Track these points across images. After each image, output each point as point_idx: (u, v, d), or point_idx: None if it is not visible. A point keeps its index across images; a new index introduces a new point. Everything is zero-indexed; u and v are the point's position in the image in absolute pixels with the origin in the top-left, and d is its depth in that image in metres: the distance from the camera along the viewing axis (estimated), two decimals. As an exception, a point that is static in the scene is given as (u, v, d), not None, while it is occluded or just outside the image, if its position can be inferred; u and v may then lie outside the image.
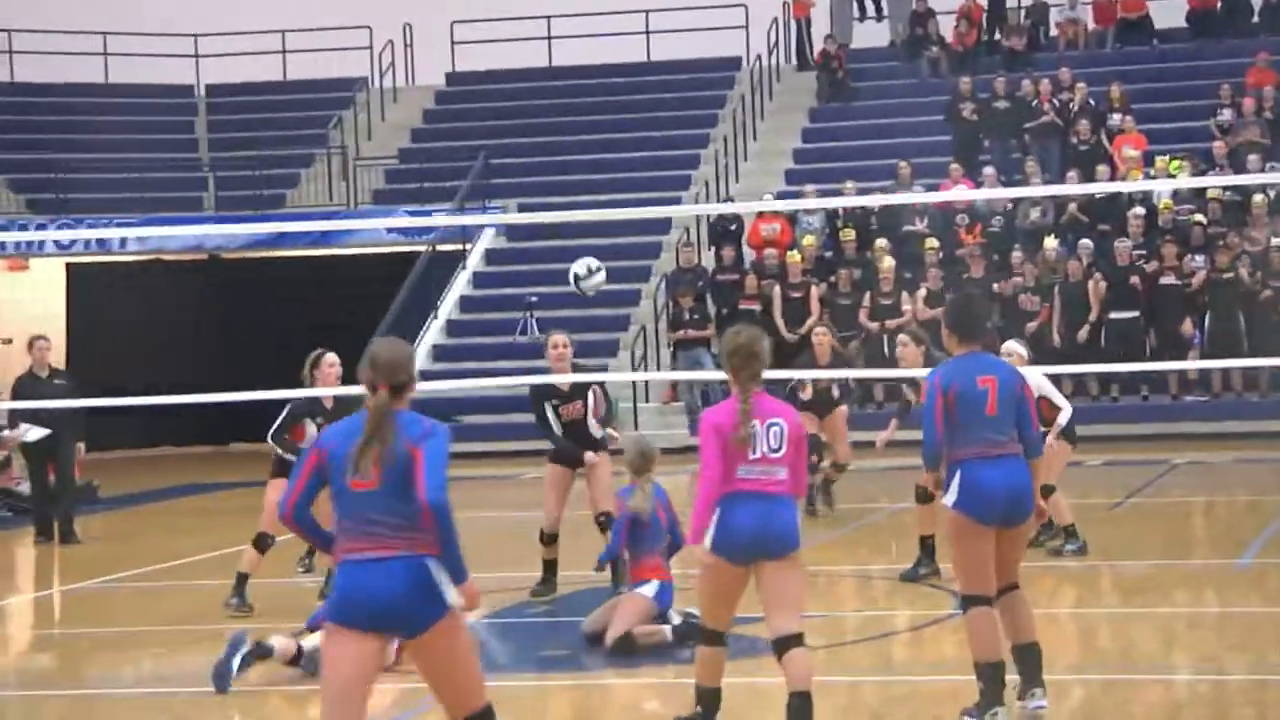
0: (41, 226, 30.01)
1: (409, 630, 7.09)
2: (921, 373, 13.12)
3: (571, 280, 15.08)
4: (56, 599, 16.13)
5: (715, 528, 8.61)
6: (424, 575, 7.04)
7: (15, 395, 18.35)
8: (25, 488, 21.30)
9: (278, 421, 13.49)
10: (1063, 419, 14.14)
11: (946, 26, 33.26)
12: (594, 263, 15.06)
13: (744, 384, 8.67)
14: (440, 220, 28.09)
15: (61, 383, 18.49)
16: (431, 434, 7.13)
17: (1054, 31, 33.39)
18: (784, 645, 8.65)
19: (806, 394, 17.43)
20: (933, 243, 27.30)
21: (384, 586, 7.03)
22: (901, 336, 14.90)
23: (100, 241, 30.34)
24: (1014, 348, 13.87)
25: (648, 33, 34.26)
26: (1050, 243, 26.83)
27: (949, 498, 9.31)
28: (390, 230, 30.10)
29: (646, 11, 33.96)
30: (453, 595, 7.08)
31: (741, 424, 8.59)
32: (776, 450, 8.69)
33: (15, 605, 15.77)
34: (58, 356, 24.27)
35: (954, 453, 9.28)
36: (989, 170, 28.70)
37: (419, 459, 7.05)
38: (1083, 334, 25.53)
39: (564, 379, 13.80)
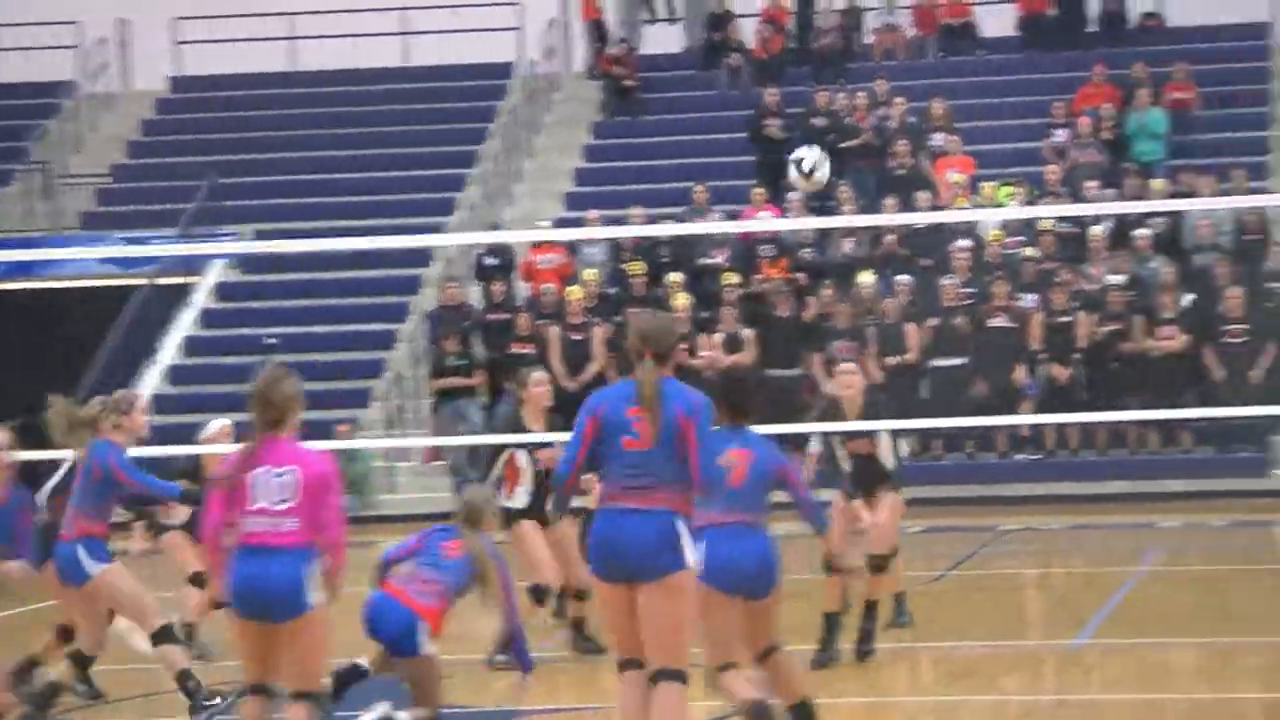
0: None
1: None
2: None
3: (795, 170, 14.44)
4: None
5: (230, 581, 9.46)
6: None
7: None
8: None
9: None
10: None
11: (749, 31, 33.63)
12: (817, 154, 14.49)
13: (259, 430, 9.50)
14: (161, 249, 27.90)
15: None
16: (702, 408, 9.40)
17: (869, 39, 33.93)
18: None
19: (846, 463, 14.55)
20: (732, 278, 27.54)
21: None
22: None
23: None
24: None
25: (405, 34, 34.34)
26: (865, 278, 27.19)
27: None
28: (103, 261, 29.79)
29: (405, 9, 34.05)
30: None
31: (235, 470, 9.48)
32: (282, 501, 9.36)
33: None
34: None
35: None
36: (796, 195, 29.01)
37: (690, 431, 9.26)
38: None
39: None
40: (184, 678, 12.08)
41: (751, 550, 10.15)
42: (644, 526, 9.17)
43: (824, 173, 14.27)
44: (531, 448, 14.51)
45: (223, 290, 30.98)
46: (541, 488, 14.36)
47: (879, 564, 13.92)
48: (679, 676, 9.21)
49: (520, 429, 14.61)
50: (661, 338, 9.42)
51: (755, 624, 10.20)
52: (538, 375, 14.83)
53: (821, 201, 29.06)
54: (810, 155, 14.17)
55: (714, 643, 10.05)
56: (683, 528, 9.23)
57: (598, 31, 34.16)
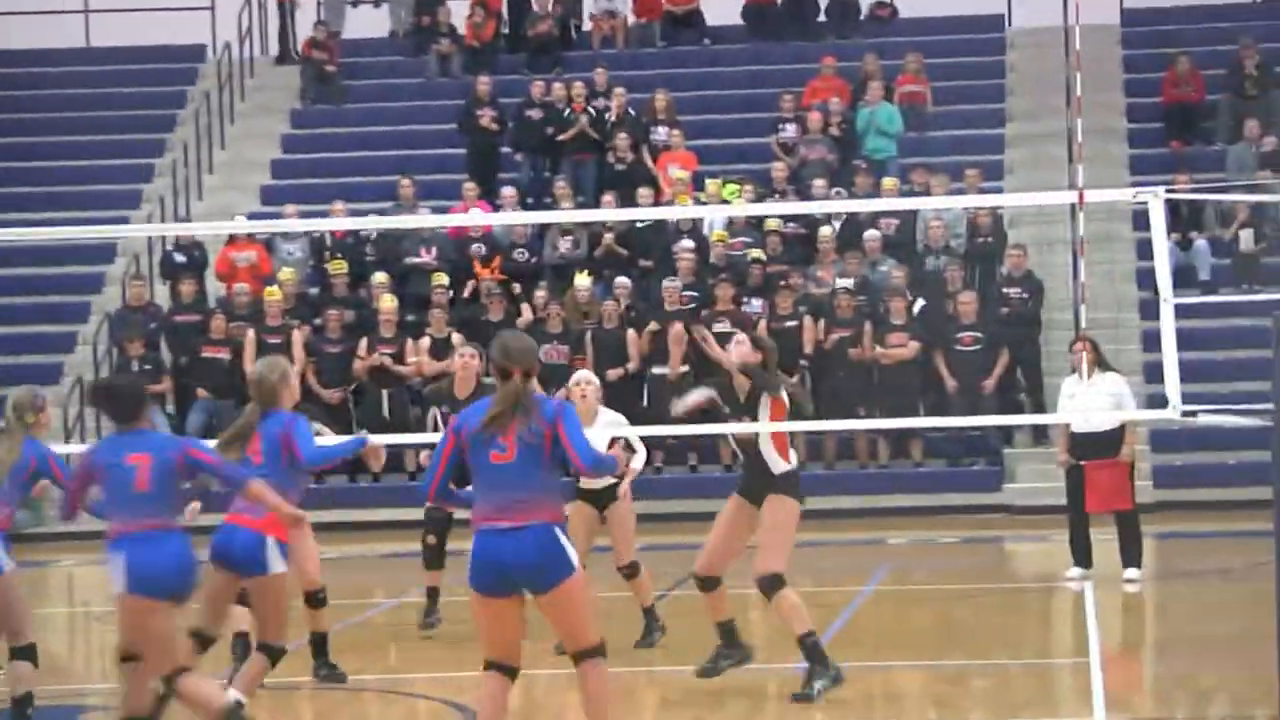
0: None
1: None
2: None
3: None
4: None
5: None
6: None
7: None
8: None
9: None
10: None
11: (459, 15, 33.58)
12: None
13: None
14: None
15: None
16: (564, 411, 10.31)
17: (588, 25, 34.07)
18: None
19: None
20: (442, 278, 27.51)
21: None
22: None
23: None
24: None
25: (87, 12, 33.95)
26: (582, 280, 27.32)
27: None
28: None
29: (86, -14, 33.73)
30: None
31: None
32: None
33: None
34: None
35: None
36: (510, 191, 29.11)
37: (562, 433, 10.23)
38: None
39: None
40: None
41: (170, 554, 10.83)
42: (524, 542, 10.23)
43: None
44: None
45: (-116, 288, 30.42)
46: None
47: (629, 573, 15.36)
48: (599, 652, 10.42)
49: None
50: (529, 356, 10.38)
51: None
52: (466, 349, 15.60)
53: (537, 197, 29.19)
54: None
55: (161, 652, 10.86)
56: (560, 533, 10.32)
57: (292, 11, 33.92)
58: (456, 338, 15.13)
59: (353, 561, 23.06)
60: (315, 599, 14.40)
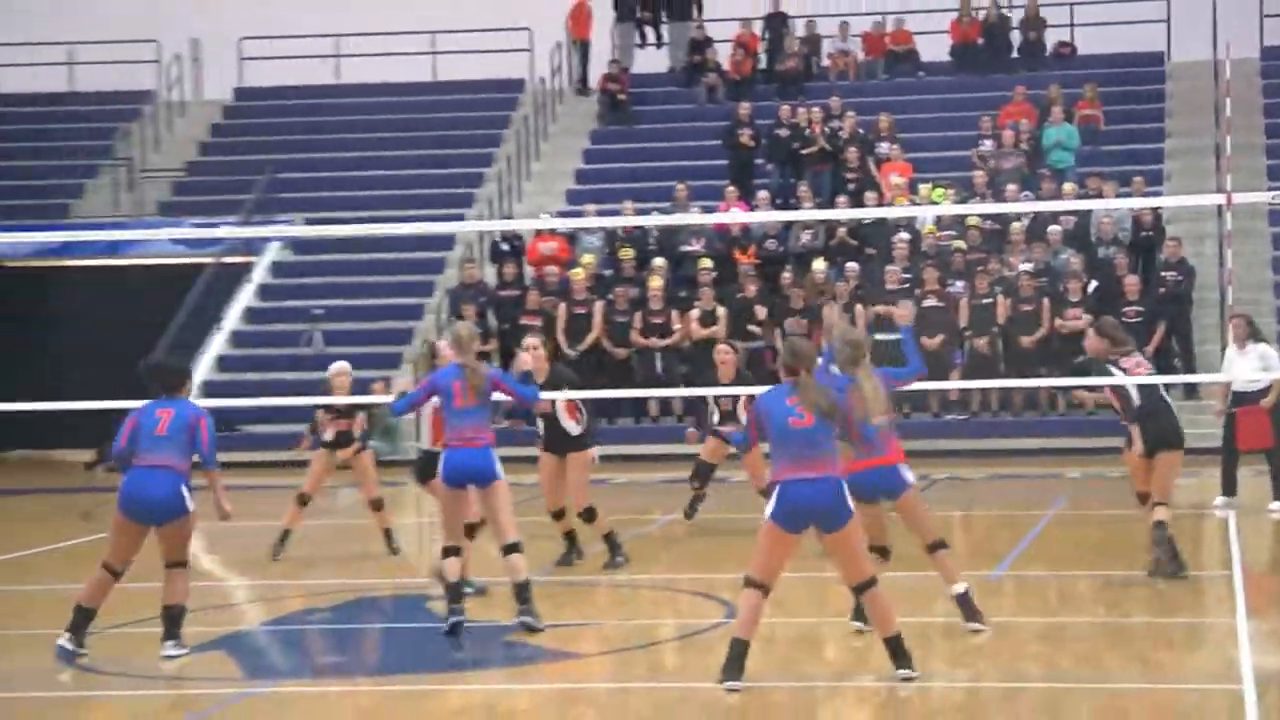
0: None
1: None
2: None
3: None
4: None
5: None
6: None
7: None
8: None
9: None
10: None
11: (724, 54, 33.61)
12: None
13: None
14: (226, 232, 27.81)
15: None
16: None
17: (826, 62, 33.89)
18: None
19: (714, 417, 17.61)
20: (708, 263, 27.55)
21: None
22: (721, 346, 16.35)
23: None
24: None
25: (434, 53, 34.28)
26: (819, 265, 27.21)
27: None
28: (176, 242, 29.74)
29: (433, 33, 33.97)
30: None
31: None
32: None
33: None
34: None
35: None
36: (763, 194, 29.09)
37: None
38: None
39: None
40: None
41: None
42: None
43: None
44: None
45: (278, 268, 30.95)
46: (554, 426, 14.95)
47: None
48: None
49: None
50: (811, 357, 10.50)
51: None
52: (530, 340, 14.93)
53: (784, 199, 29.12)
54: None
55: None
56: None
57: (584, 49, 34.03)
58: (529, 340, 14.53)
59: (638, 486, 23.12)
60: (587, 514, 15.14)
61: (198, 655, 11.89)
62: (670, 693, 10.73)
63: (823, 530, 10.33)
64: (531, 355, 14.41)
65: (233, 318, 29.63)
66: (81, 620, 11.72)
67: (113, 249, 30.40)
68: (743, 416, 16.71)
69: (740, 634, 10.34)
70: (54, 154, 32.66)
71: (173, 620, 11.71)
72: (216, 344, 29.02)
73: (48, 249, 30.30)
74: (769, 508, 10.31)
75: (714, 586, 14.30)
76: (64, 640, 11.68)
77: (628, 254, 28.07)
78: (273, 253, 30.90)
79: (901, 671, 10.40)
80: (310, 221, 30.09)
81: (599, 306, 27.01)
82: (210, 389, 27.67)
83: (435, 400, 12.51)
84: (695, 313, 26.71)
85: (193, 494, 11.62)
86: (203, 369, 28.16)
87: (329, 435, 16.54)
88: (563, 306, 27.02)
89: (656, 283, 26.97)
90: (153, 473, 11.52)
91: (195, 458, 11.70)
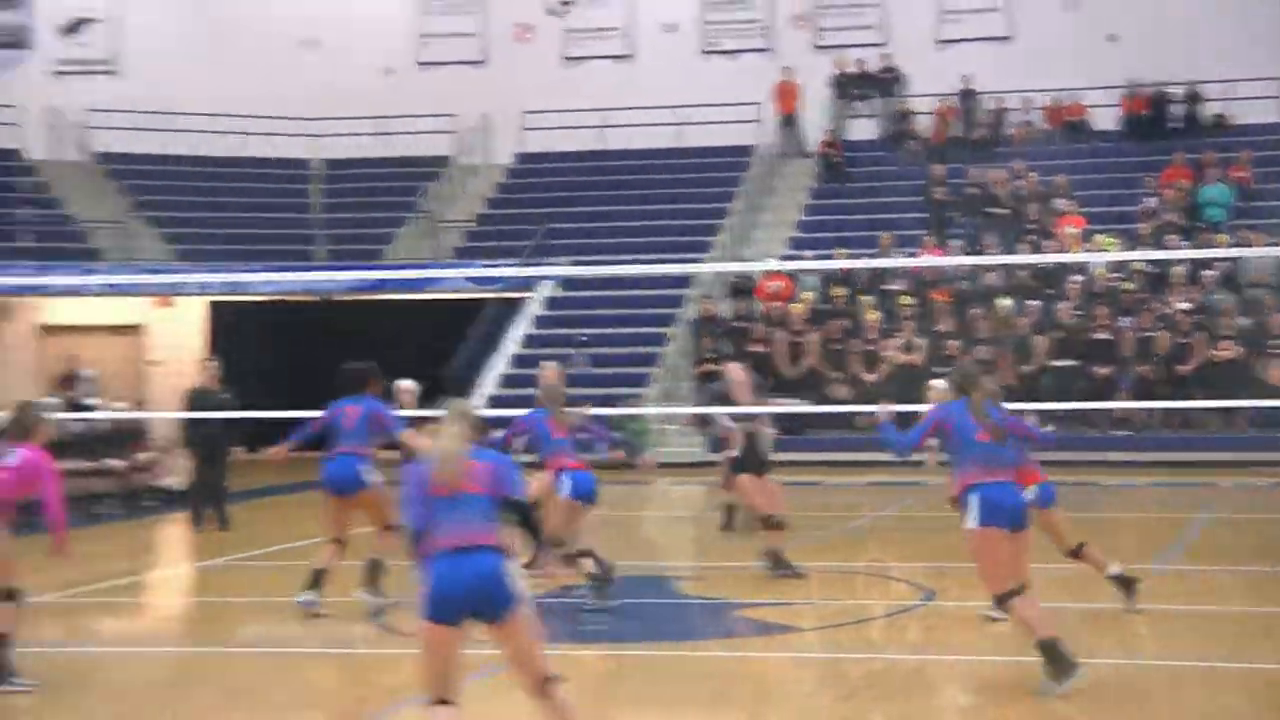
0: (186, 271, 30.25)
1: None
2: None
3: None
4: (194, 573, 16.24)
5: None
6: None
7: (189, 406, 18.53)
8: (169, 483, 21.45)
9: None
10: None
11: (925, 124, 33.31)
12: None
13: None
14: (508, 271, 28.21)
15: (225, 396, 18.61)
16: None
17: (1011, 130, 33.40)
18: None
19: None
20: (908, 300, 27.33)
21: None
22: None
23: (233, 284, 30.56)
24: (939, 385, 14.46)
25: (680, 124, 34.40)
26: (1004, 302, 26.84)
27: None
28: (468, 279, 30.19)
29: (678, 106, 34.09)
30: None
31: None
32: None
33: (168, 576, 15.89)
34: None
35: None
36: (956, 241, 28.77)
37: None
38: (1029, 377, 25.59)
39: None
40: None
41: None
42: None
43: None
44: (739, 416, 14.47)
45: (550, 303, 31.26)
46: (752, 446, 14.26)
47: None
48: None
49: (730, 403, 14.61)
50: (977, 380, 10.04)
51: None
52: (733, 365, 14.80)
53: (974, 247, 28.76)
54: None
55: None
56: None
57: (789, 120, 33.82)
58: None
59: (847, 487, 22.93)
60: (770, 521, 14.13)
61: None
62: (876, 663, 10.63)
63: (1012, 529, 9.66)
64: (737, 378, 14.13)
65: (513, 343, 29.98)
66: (316, 579, 12.30)
67: (416, 285, 30.95)
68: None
69: (1045, 634, 9.43)
70: (372, 207, 33.38)
71: (373, 570, 12.34)
72: (499, 364, 29.40)
73: (365, 285, 30.93)
74: (973, 518, 9.51)
75: (914, 574, 14.14)
76: (307, 596, 12.15)
77: (840, 292, 27.95)
78: (546, 289, 31.24)
79: (1054, 680, 9.38)
80: (577, 263, 30.31)
81: (814, 336, 26.91)
82: (494, 402, 28.02)
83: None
84: (897, 341, 26.48)
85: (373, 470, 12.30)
86: (488, 385, 28.55)
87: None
88: (780, 334, 26.97)
89: (872, 316, 26.81)
90: (344, 458, 11.87)
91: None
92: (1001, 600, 9.51)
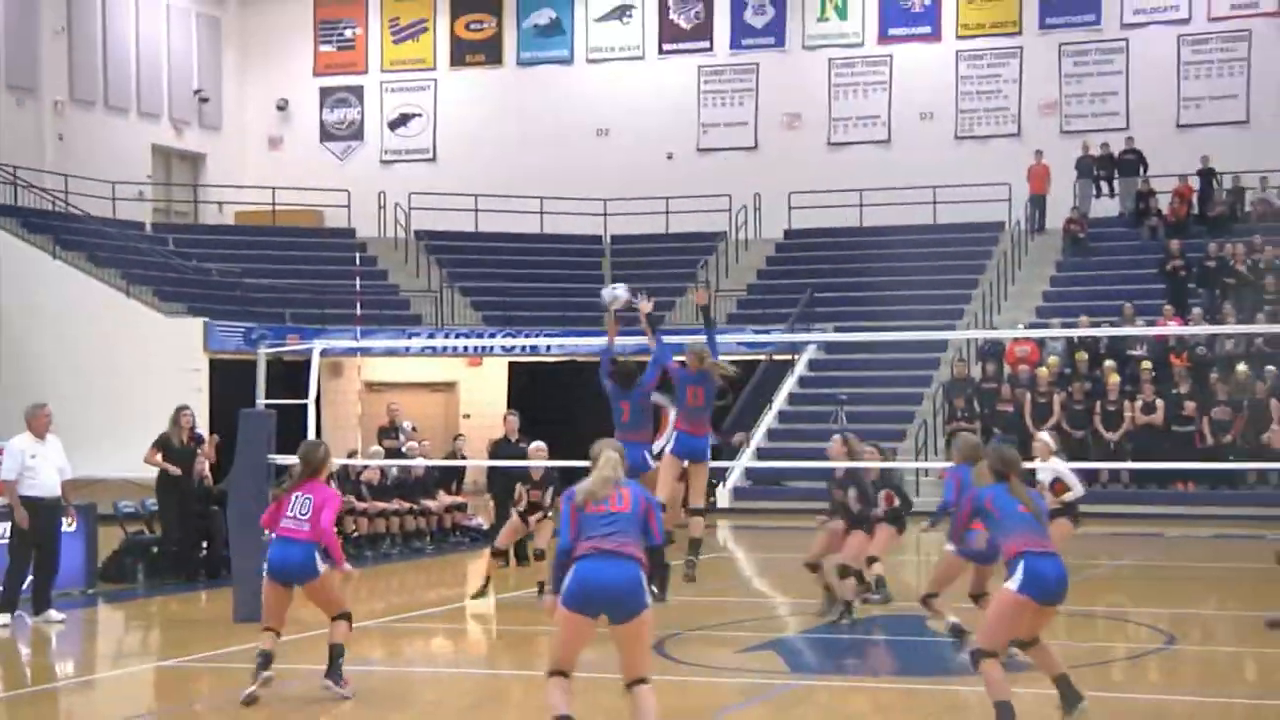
0: (492, 334, 31.08)
1: None
2: None
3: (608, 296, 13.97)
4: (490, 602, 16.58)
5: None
6: None
7: (492, 455, 19.01)
8: (477, 522, 21.98)
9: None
10: (1070, 497, 13.87)
11: (1164, 202, 32.42)
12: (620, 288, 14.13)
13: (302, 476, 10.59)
14: (777, 337, 28.27)
15: (523, 446, 18.98)
16: None
17: (1249, 208, 32.25)
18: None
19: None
20: (1147, 365, 26.57)
21: None
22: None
23: (532, 347, 31.28)
24: (1043, 438, 14.11)
25: (934, 203, 34.11)
26: (1241, 368, 25.90)
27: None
28: (740, 343, 30.33)
29: (934, 187, 33.82)
30: None
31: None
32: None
33: (476, 605, 16.29)
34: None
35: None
36: (1196, 311, 27.87)
37: None
38: (1265, 438, 24.58)
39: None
40: None
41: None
42: None
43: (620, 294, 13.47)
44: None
45: (813, 364, 31.22)
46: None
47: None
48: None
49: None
50: (1017, 462, 9.06)
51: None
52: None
53: (1212, 316, 27.82)
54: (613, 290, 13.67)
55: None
56: None
57: (1038, 199, 33.23)
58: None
59: (1088, 536, 22.26)
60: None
61: (754, 654, 12.07)
62: (1117, 702, 10.33)
63: (1053, 601, 8.84)
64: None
65: (780, 400, 30.00)
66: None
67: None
68: None
69: (1000, 697, 8.82)
70: (655, 279, 33.62)
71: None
72: (768, 419, 29.44)
73: (648, 348, 31.14)
74: (1016, 582, 8.67)
75: (1156, 619, 13.69)
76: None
77: (1082, 356, 27.32)
78: (810, 352, 31.21)
79: (1069, 712, 8.98)
80: (839, 329, 30.25)
81: (1058, 397, 26.32)
82: (761, 454, 28.09)
83: None
84: (1139, 403, 25.73)
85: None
86: (756, 438, 28.60)
87: (522, 506, 15.75)
88: (1029, 396, 26.45)
89: (1113, 379, 26.13)
90: None
91: None
92: (974, 655, 8.92)
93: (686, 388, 12.63)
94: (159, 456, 16.98)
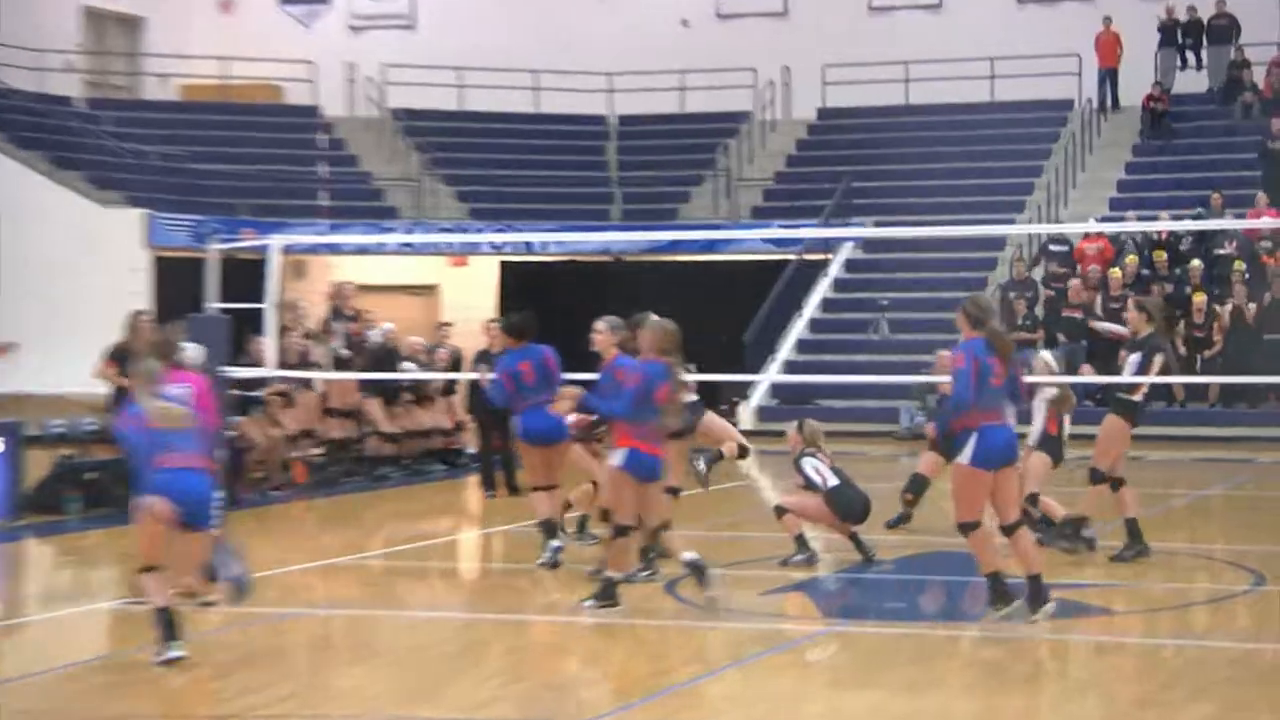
0: (480, 230, 30.98)
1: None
2: None
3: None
4: (490, 537, 16.61)
5: None
6: None
7: (475, 368, 18.91)
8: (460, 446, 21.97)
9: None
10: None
11: (1260, 75, 32.14)
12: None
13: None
14: (808, 233, 28.15)
15: None
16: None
17: (1358, 81, 32.03)
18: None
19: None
20: (1240, 264, 26.45)
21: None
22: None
23: (527, 244, 31.18)
24: (1044, 357, 14.13)
25: (992, 77, 33.83)
26: (1346, 268, 25.78)
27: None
28: (765, 240, 30.22)
29: (991, 59, 33.51)
30: None
31: None
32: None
33: (459, 541, 16.30)
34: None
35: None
36: (1283, 201, 27.73)
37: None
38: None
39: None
40: None
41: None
42: None
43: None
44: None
45: (850, 265, 31.15)
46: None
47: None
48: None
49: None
50: (992, 309, 10.89)
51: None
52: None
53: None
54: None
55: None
56: None
57: (1115, 76, 32.94)
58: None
59: (1169, 463, 22.27)
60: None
61: (786, 594, 12.10)
62: (1194, 650, 10.33)
63: (1005, 465, 10.54)
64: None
65: (811, 307, 29.95)
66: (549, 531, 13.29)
67: (711, 246, 31.11)
68: None
69: (991, 568, 10.60)
70: (667, 165, 33.65)
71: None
72: (797, 329, 29.40)
73: (660, 246, 31.14)
74: (966, 455, 10.41)
75: (1243, 557, 13.68)
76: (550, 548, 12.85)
77: (1161, 255, 27.20)
78: (846, 251, 31.12)
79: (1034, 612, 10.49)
80: (880, 224, 30.17)
81: (1131, 302, 26.08)
82: (790, 368, 28.07)
83: None
84: (1228, 307, 25.64)
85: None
86: (784, 350, 28.57)
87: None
88: (1099, 299, 26.38)
89: (1199, 297, 25.99)
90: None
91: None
92: (962, 529, 10.56)
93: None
94: (114, 370, 15.85)
